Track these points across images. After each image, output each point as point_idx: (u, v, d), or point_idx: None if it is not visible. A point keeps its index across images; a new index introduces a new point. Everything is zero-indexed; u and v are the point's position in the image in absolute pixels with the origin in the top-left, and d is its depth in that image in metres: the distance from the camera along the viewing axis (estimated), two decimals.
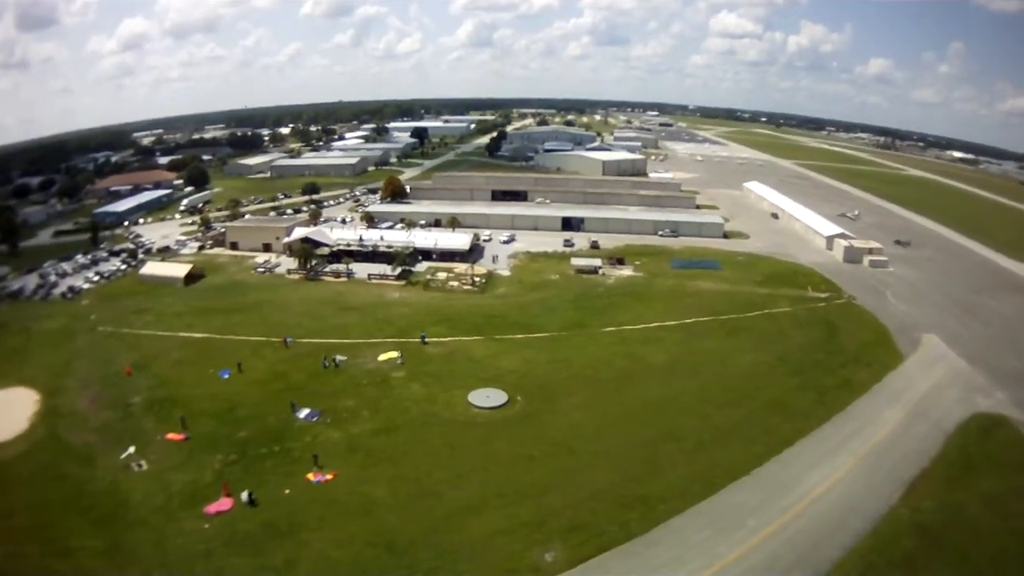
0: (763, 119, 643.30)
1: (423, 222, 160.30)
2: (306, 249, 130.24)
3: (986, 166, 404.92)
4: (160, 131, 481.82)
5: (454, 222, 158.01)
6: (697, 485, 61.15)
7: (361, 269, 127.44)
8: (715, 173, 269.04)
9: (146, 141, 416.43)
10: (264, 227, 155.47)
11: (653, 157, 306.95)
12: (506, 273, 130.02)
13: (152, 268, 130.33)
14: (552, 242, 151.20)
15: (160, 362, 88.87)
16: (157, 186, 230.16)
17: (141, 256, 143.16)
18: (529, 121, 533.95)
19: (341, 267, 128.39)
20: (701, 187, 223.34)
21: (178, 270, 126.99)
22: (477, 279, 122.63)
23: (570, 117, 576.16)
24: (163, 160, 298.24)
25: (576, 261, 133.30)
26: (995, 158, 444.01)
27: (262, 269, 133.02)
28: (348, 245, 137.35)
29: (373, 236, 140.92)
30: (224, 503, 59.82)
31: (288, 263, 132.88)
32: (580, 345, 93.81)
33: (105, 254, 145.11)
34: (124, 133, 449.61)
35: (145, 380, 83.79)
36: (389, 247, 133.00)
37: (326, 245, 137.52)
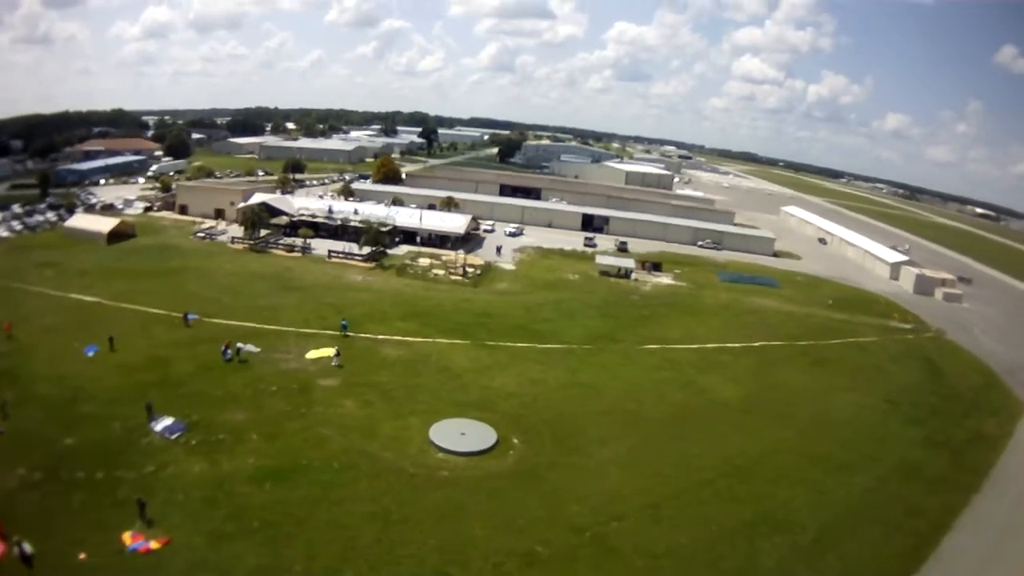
0: (781, 164, 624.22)
1: (414, 205, 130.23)
2: (256, 212, 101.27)
3: (1007, 222, 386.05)
4: (167, 117, 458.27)
5: (450, 202, 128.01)
6: None
7: (324, 246, 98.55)
8: (745, 200, 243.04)
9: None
10: (216, 188, 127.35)
11: (678, 179, 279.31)
12: (510, 267, 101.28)
13: (77, 221, 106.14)
14: (570, 240, 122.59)
15: (27, 326, 62.19)
16: (136, 154, 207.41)
17: (78, 211, 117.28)
18: (546, 141, 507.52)
19: (298, 240, 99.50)
20: (734, 209, 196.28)
21: (103, 225, 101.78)
22: (470, 269, 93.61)
23: (589, 141, 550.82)
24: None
25: (603, 259, 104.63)
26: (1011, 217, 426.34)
27: (202, 234, 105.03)
28: (313, 217, 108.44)
29: (345, 208, 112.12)
30: None
31: (237, 232, 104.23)
32: (612, 365, 64.86)
33: (43, 206, 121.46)
34: (133, 115, 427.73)
35: None
36: (364, 223, 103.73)
37: (285, 214, 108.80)
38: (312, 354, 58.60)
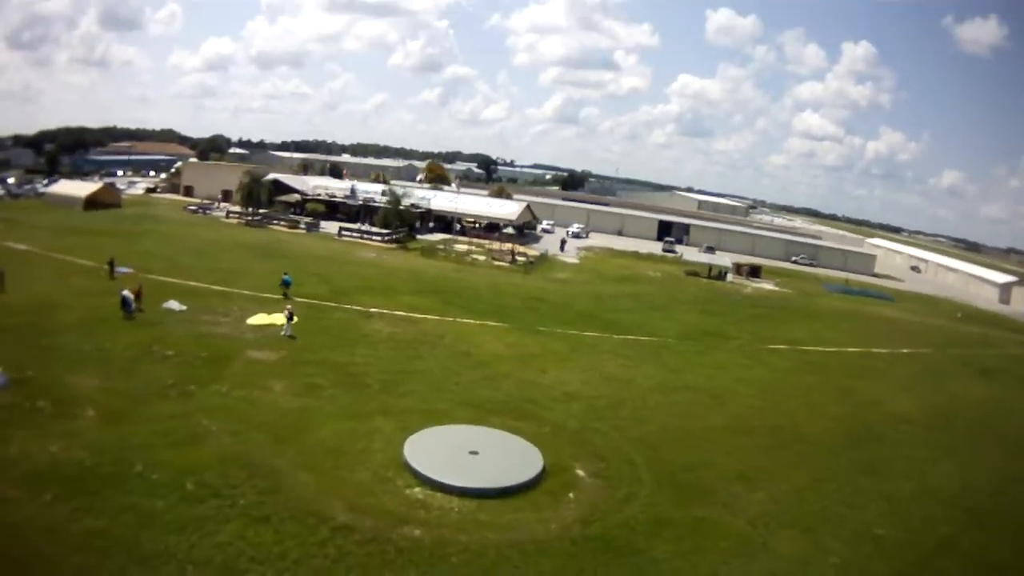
0: (841, 218, 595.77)
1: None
2: (256, 181, 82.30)
3: None
4: None
5: (501, 192, 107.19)
6: None
7: (337, 227, 78.95)
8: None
9: None
10: (224, 167, 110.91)
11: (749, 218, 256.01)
12: (573, 260, 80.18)
13: (58, 188, 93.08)
14: (646, 247, 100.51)
15: None
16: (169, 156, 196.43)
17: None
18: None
19: (306, 218, 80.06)
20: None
21: (81, 190, 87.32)
22: (520, 258, 72.15)
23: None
24: None
25: (692, 257, 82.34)
26: None
27: (194, 208, 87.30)
28: (332, 197, 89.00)
29: (370, 189, 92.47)
30: None
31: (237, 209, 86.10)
32: (731, 364, 42.35)
33: (39, 180, 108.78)
34: (184, 137, 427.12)
35: None
36: (390, 201, 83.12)
37: (296, 191, 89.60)
38: (256, 319, 37.61)
